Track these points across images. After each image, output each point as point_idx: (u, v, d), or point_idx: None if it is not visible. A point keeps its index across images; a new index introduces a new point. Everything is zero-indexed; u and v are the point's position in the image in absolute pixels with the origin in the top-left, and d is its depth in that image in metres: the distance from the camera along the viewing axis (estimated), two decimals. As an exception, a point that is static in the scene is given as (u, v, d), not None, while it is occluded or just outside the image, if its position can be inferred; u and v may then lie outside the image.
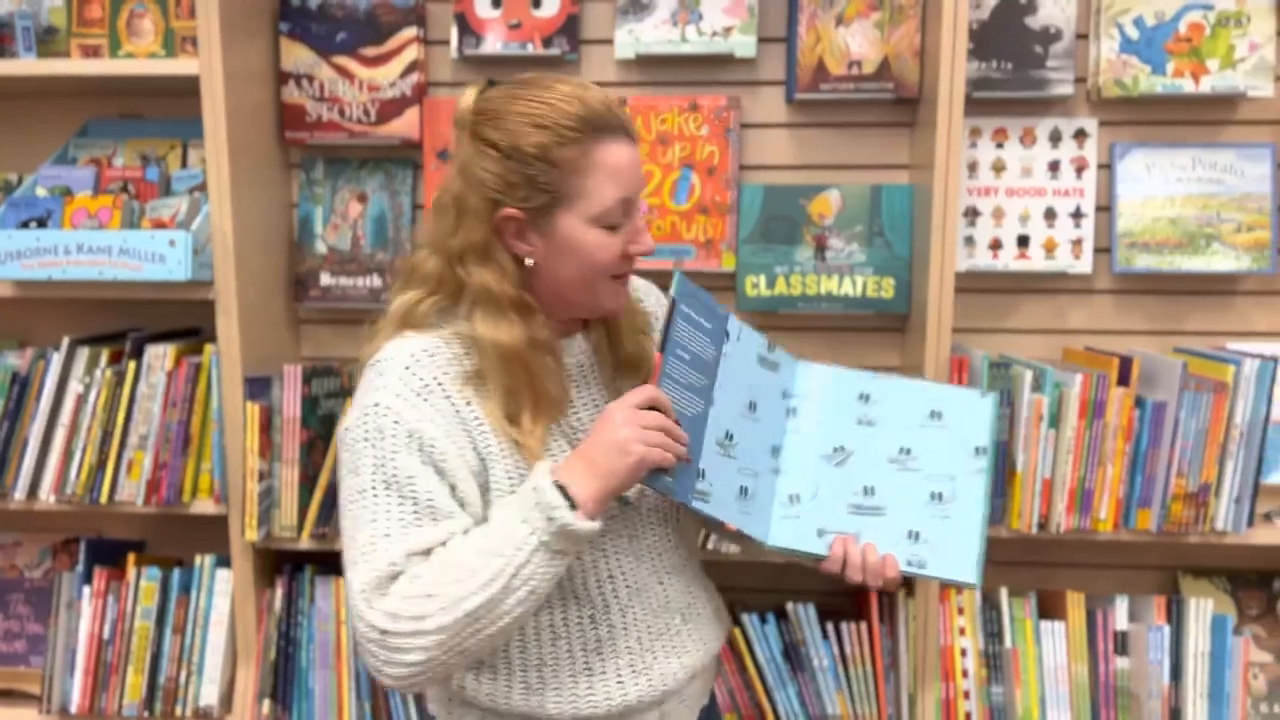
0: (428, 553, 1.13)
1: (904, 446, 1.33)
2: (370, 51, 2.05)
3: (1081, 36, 1.99)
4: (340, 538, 1.19)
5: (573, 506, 1.11)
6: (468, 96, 1.22)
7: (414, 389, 1.17)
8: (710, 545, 1.90)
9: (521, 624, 1.16)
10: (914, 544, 1.30)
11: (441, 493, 1.15)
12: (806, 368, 1.37)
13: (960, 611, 1.94)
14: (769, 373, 1.33)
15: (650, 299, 1.42)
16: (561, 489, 1.12)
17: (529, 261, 1.20)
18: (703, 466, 1.22)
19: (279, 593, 2.01)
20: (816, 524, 1.30)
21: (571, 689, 1.25)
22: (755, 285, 2.03)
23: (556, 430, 1.23)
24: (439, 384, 1.18)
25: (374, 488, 1.15)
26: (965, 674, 1.93)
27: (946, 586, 1.89)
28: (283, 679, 2.00)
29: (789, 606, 1.95)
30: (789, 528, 1.30)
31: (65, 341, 1.97)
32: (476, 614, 1.10)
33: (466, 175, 1.18)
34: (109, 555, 2.08)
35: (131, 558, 2.04)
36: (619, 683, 1.26)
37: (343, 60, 2.06)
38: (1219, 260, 1.98)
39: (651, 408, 1.16)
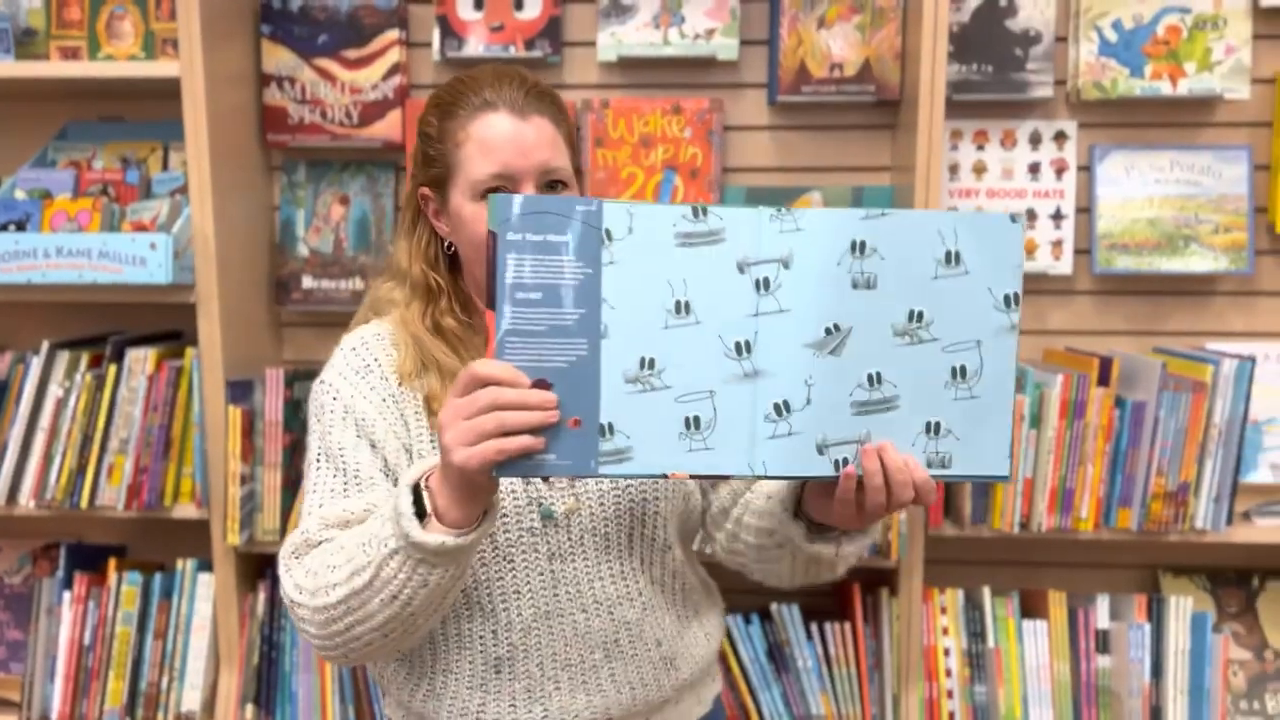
0: (344, 524, 1.13)
1: (914, 310, 1.03)
2: (352, 54, 2.05)
3: (1061, 39, 2.00)
4: None
5: (422, 515, 1.01)
6: None
7: (355, 368, 1.22)
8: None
9: (415, 628, 1.10)
10: (935, 439, 1.05)
11: (370, 464, 1.17)
12: (770, 219, 1.03)
13: (943, 611, 1.95)
14: (707, 248, 1.01)
15: None
16: (419, 494, 1.02)
17: (449, 244, 1.25)
18: (607, 420, 0.98)
19: (261, 597, 2.00)
20: (815, 436, 1.03)
21: (466, 702, 1.21)
22: (738, 287, 2.03)
23: None
24: (378, 363, 1.22)
25: (317, 460, 1.20)
26: (948, 673, 1.94)
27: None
28: (266, 683, 1.99)
29: (773, 607, 1.95)
30: (779, 449, 1.02)
31: (45, 345, 1.95)
32: (346, 603, 1.06)
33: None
34: (89, 560, 2.07)
35: (112, 563, 2.03)
36: (511, 705, 1.20)
37: (324, 62, 2.05)
38: (1197, 261, 1.99)
39: (483, 386, 0.96)
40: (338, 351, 1.26)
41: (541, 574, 1.20)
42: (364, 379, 1.21)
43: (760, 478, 1.04)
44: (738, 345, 1.01)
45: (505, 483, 1.17)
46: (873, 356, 1.03)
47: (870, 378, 1.04)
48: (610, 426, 0.99)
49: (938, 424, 1.05)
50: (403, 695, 1.26)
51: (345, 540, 1.09)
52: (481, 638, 1.21)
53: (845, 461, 1.04)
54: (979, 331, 1.04)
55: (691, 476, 1.02)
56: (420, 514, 1.01)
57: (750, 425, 1.02)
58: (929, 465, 1.05)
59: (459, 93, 1.19)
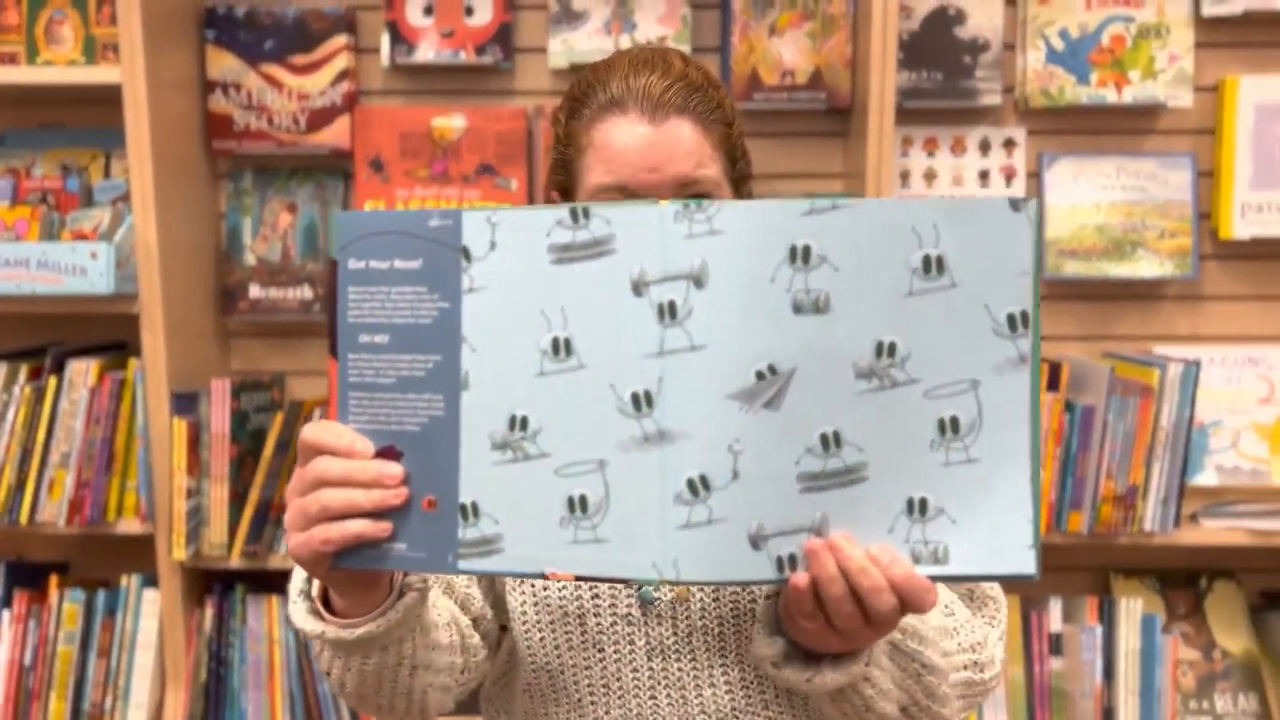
0: None
1: (883, 341, 0.73)
2: (299, 60, 2.02)
3: (1009, 47, 2.03)
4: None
5: (308, 596, 0.86)
6: None
7: None
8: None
9: (409, 689, 0.90)
10: (920, 522, 0.75)
11: None
12: (676, 218, 0.74)
13: (898, 616, 1.96)
14: (592, 263, 0.75)
15: None
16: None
17: None
18: (469, 499, 0.77)
19: (209, 613, 1.96)
20: (747, 524, 0.74)
21: None
22: (692, 294, 2.03)
23: None
24: None
25: None
26: (904, 678, 1.94)
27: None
28: (214, 701, 1.95)
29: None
30: (697, 542, 0.74)
31: (-19, 357, 1.91)
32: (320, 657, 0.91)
33: None
34: (29, 578, 2.01)
35: (53, 580, 1.98)
36: None
37: (271, 68, 2.02)
38: (1144, 266, 2.02)
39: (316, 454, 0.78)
40: None
41: (636, 671, 0.97)
42: None
43: (670, 583, 0.75)
44: (635, 397, 0.74)
45: None
46: (826, 409, 0.73)
47: (824, 439, 0.74)
48: (474, 507, 0.76)
49: (923, 500, 0.74)
50: None
51: None
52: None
53: (792, 560, 0.74)
54: (974, 368, 0.73)
55: (577, 579, 0.77)
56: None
57: (657, 508, 0.74)
58: (916, 560, 0.74)
59: (589, 84, 0.97)
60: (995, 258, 0.73)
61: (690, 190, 0.94)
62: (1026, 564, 0.74)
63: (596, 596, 0.98)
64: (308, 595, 0.86)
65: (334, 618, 0.83)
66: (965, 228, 0.73)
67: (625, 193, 0.93)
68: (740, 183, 1.02)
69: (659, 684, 0.97)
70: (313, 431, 0.78)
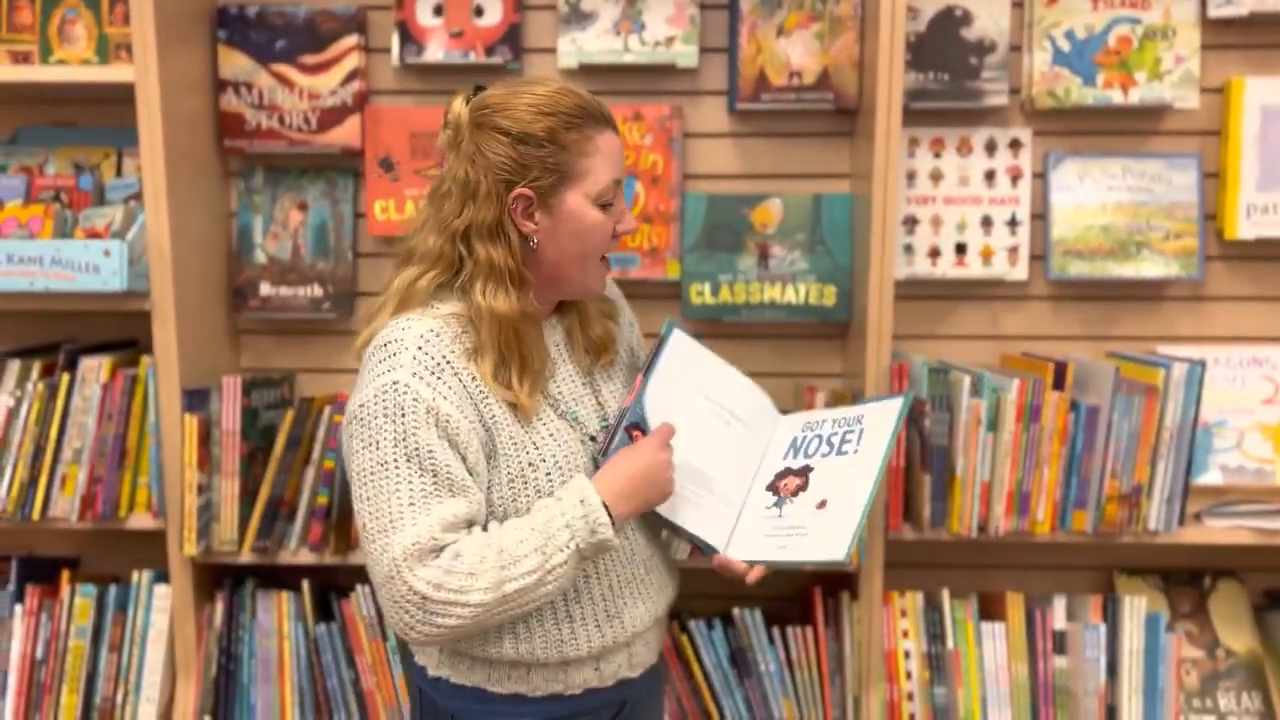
0: (455, 525, 1.25)
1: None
2: (310, 59, 2.03)
3: (1015, 48, 2.03)
4: (356, 513, 1.28)
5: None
6: (460, 100, 1.34)
7: (429, 368, 1.27)
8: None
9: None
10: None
11: (458, 465, 1.26)
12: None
13: (903, 614, 1.97)
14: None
15: (611, 289, 1.55)
16: (606, 507, 1.28)
17: (534, 240, 1.33)
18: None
19: (219, 608, 1.98)
20: None
21: (556, 635, 1.36)
22: (700, 293, 2.04)
23: (543, 398, 1.36)
24: (448, 362, 1.28)
25: (395, 461, 1.24)
26: (909, 675, 1.96)
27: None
28: (224, 695, 1.97)
29: (735, 612, 1.96)
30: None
31: (-5, 354, 1.93)
32: (513, 597, 1.24)
33: (476, 161, 1.30)
34: (42, 573, 2.03)
35: (65, 575, 1.99)
36: (596, 626, 1.38)
37: (282, 68, 2.04)
38: (1149, 267, 2.03)
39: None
40: (400, 350, 1.28)
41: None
42: (440, 378, 1.27)
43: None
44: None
45: (568, 438, 1.37)
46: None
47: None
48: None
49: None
50: (487, 650, 1.36)
51: (497, 542, 1.25)
52: None
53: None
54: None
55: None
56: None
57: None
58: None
59: (580, 107, 1.32)
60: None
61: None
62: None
63: (570, 460, 1.37)
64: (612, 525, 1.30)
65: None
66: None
67: (618, 185, 1.36)
68: None
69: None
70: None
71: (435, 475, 1.24)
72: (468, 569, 1.23)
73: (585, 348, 1.45)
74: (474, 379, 1.30)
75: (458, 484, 1.26)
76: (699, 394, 1.48)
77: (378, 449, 1.25)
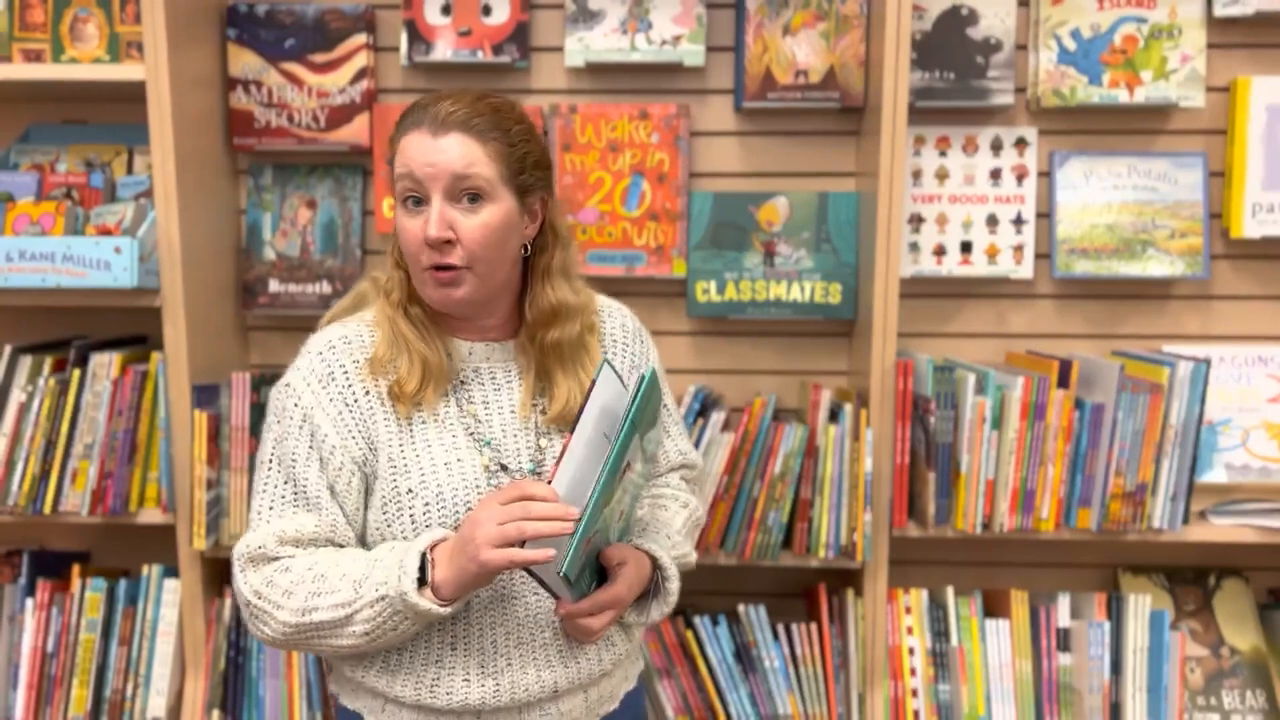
0: (295, 541, 1.25)
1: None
2: (319, 58, 2.05)
3: (1021, 47, 2.04)
4: None
5: (423, 583, 1.19)
6: None
7: (319, 376, 1.28)
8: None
9: (368, 651, 1.26)
10: None
11: (317, 480, 1.26)
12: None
13: (908, 611, 1.97)
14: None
15: (611, 321, 1.44)
16: (425, 561, 1.19)
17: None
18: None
19: (228, 602, 1.99)
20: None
21: (420, 676, 1.28)
22: (706, 291, 2.05)
23: (450, 395, 1.31)
24: (344, 371, 1.28)
25: (269, 460, 1.29)
26: (913, 672, 1.96)
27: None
28: (232, 689, 1.98)
29: (740, 608, 1.97)
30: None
31: (7, 350, 1.94)
32: (319, 626, 1.21)
33: None
34: (53, 567, 2.05)
35: (76, 569, 2.01)
36: (465, 680, 1.27)
37: (291, 66, 2.05)
38: (1154, 265, 2.03)
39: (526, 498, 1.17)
40: (304, 354, 1.31)
41: None
42: (325, 389, 1.27)
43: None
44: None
45: (468, 468, 1.28)
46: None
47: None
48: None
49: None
50: (355, 673, 1.31)
51: (322, 569, 1.22)
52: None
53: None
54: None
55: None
56: (420, 578, 1.18)
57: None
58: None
59: (404, 113, 1.28)
60: None
61: (464, 184, 1.24)
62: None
63: (467, 505, 1.28)
64: (421, 584, 1.18)
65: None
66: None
67: (413, 180, 1.24)
68: (526, 191, 1.29)
69: (514, 569, 1.23)
70: (528, 486, 1.18)
71: (295, 485, 1.26)
72: (285, 586, 1.22)
73: (542, 408, 1.34)
74: (367, 393, 1.27)
75: (312, 499, 1.25)
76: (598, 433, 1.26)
77: (264, 444, 1.31)
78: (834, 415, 1.91)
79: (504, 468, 1.29)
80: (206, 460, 1.89)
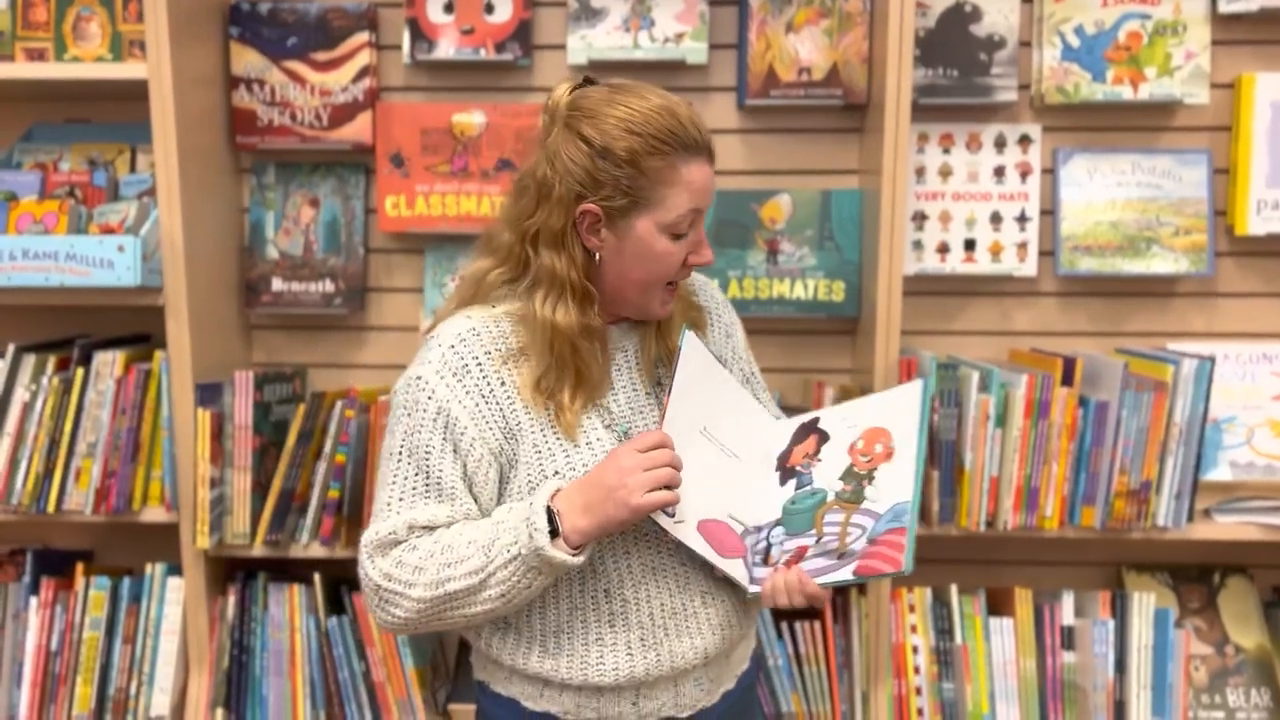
0: (427, 528, 1.26)
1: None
2: (322, 56, 2.05)
3: (1025, 44, 2.03)
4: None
5: (555, 534, 1.20)
6: (564, 89, 1.28)
7: (453, 369, 1.27)
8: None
9: (503, 614, 1.27)
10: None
11: (452, 472, 1.26)
12: None
13: (911, 609, 1.97)
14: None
15: (704, 294, 1.47)
16: (552, 514, 1.20)
17: (597, 255, 1.27)
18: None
19: (231, 600, 1.99)
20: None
21: (584, 656, 1.30)
22: (708, 289, 2.05)
23: (593, 410, 1.30)
24: (478, 364, 1.27)
25: (399, 453, 1.28)
26: (917, 670, 1.96)
27: None
28: (236, 687, 1.98)
29: (743, 607, 1.97)
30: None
31: (10, 348, 1.94)
32: (454, 596, 1.22)
33: (555, 163, 1.25)
34: (56, 565, 2.05)
35: (80, 567, 2.01)
36: (629, 655, 1.29)
37: (294, 65, 2.05)
38: (1158, 263, 2.03)
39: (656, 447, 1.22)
40: (434, 346, 1.28)
41: (647, 533, 1.30)
42: (461, 381, 1.26)
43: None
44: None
45: (608, 446, 1.29)
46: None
47: None
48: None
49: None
50: (515, 660, 1.32)
51: (449, 540, 1.23)
52: (594, 596, 1.29)
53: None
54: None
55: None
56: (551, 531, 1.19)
57: None
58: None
59: (671, 131, 1.23)
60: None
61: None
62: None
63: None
64: (554, 535, 1.20)
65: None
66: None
67: (696, 212, 1.26)
68: None
69: (663, 538, 1.30)
70: (656, 436, 1.22)
71: (427, 476, 1.26)
72: (415, 563, 1.23)
73: (658, 359, 1.36)
74: (503, 384, 1.27)
75: (445, 490, 1.26)
76: (715, 405, 1.34)
77: (392, 437, 1.29)
78: (837, 413, 1.90)
79: None
80: (210, 459, 1.89)
